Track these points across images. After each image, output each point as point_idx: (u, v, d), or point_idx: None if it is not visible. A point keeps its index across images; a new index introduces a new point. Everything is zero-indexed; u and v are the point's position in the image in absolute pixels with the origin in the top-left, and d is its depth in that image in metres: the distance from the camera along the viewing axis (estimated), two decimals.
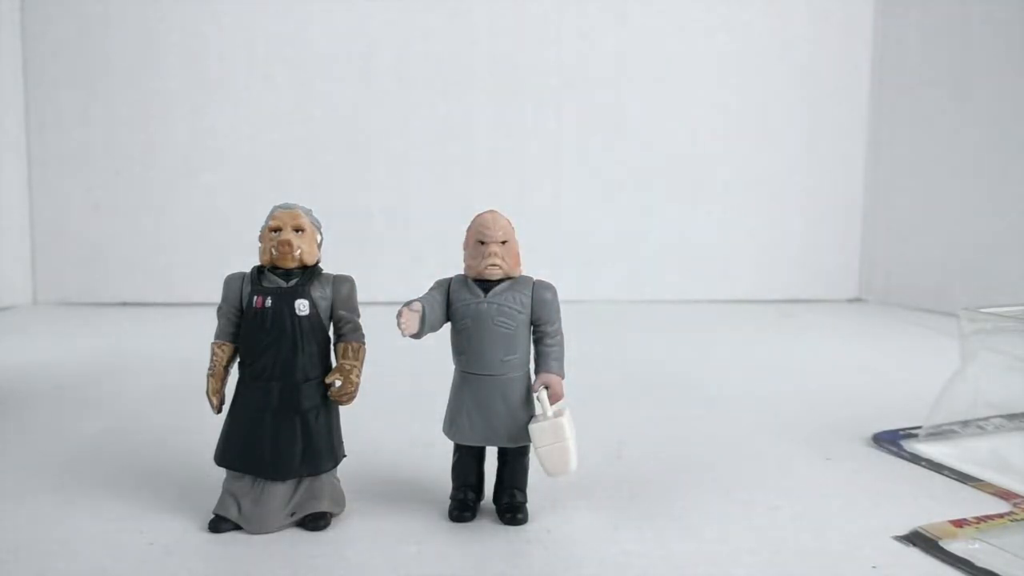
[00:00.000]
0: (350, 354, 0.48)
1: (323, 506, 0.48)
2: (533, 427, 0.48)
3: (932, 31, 1.56)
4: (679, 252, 1.67)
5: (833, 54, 1.69)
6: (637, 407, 0.81)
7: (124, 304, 1.53)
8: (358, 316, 0.50)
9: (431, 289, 0.50)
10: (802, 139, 1.70)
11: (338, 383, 0.48)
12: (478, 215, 0.50)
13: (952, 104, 1.51)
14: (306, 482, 0.48)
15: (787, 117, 1.68)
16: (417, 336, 0.49)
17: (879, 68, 1.69)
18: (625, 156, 1.64)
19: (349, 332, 0.49)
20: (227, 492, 0.48)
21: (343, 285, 0.49)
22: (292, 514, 0.48)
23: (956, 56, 1.50)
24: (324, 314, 0.48)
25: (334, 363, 0.49)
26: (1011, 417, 0.70)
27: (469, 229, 0.49)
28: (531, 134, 1.62)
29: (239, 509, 0.47)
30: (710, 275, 1.68)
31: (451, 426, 0.50)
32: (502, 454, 0.51)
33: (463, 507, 0.50)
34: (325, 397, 0.48)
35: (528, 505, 0.50)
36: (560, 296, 0.50)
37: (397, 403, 0.75)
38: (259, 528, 0.47)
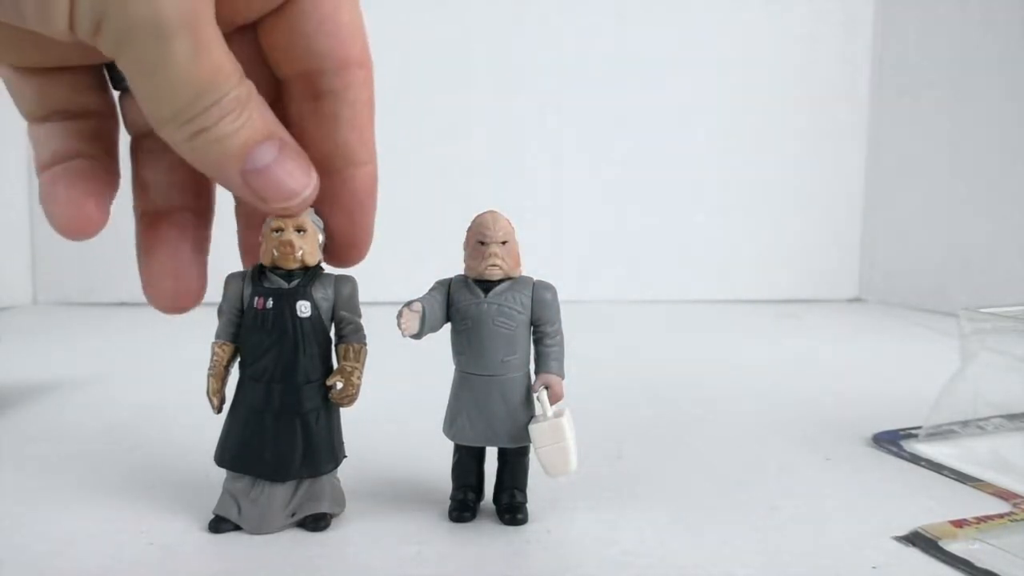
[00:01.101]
0: (351, 356, 0.48)
1: (323, 507, 0.48)
2: (533, 427, 0.48)
3: (932, 31, 1.56)
4: (679, 252, 1.67)
5: (833, 54, 1.69)
6: (637, 407, 0.81)
7: (124, 304, 1.53)
8: (359, 317, 0.49)
9: (431, 289, 0.50)
10: (802, 139, 1.70)
11: (339, 385, 0.48)
12: (478, 215, 0.50)
13: (952, 104, 1.51)
14: (306, 483, 0.48)
15: (787, 117, 1.68)
16: (417, 336, 0.49)
17: (879, 68, 1.69)
18: (625, 156, 1.64)
19: (350, 333, 0.49)
20: (227, 492, 0.48)
21: (345, 286, 0.48)
22: (292, 515, 0.48)
23: (956, 56, 1.50)
24: (326, 315, 0.48)
25: (335, 364, 0.49)
26: (1011, 417, 0.70)
27: (469, 230, 0.49)
28: (531, 134, 1.62)
29: (239, 510, 0.47)
30: (710, 275, 1.68)
31: (451, 426, 0.50)
32: (502, 454, 0.51)
33: (463, 507, 0.50)
34: (326, 399, 0.48)
35: (528, 505, 0.50)
36: (560, 296, 0.50)
37: (397, 403, 0.75)
38: (259, 528, 0.47)
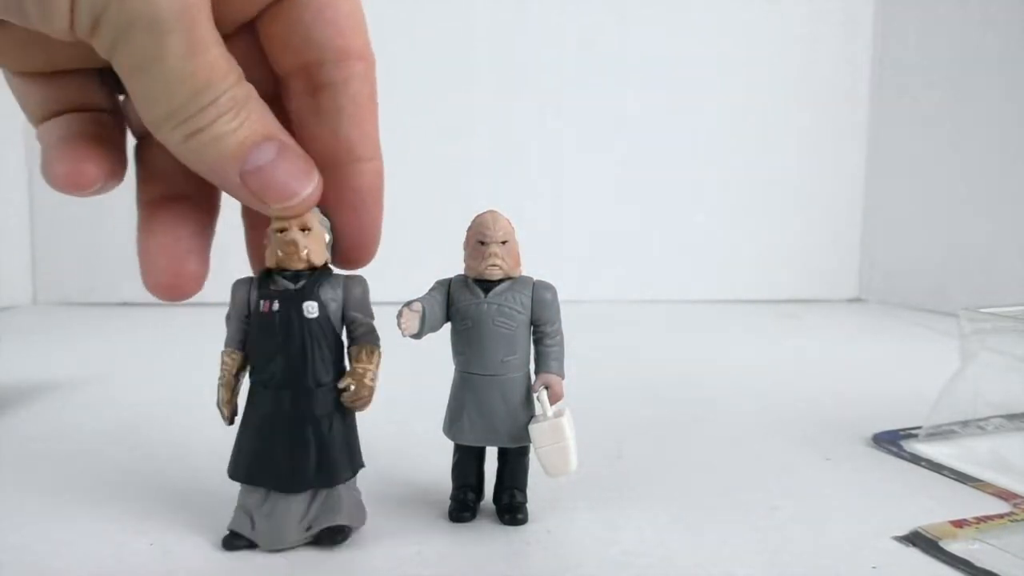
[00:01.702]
0: (363, 357, 0.46)
1: (340, 519, 0.46)
2: (533, 427, 0.48)
3: (932, 31, 1.56)
4: (679, 252, 1.67)
5: (833, 54, 1.69)
6: (637, 407, 0.81)
7: (124, 304, 1.53)
8: (372, 318, 0.48)
9: (431, 289, 0.50)
10: (802, 139, 1.70)
11: (351, 388, 0.46)
12: (478, 215, 0.49)
13: (952, 104, 1.51)
14: (323, 494, 0.46)
15: (787, 117, 1.68)
16: (417, 336, 0.48)
17: (879, 68, 1.69)
18: (625, 156, 1.64)
19: (362, 335, 0.47)
20: (241, 507, 0.46)
21: (355, 286, 0.47)
22: (308, 528, 0.45)
23: (956, 56, 1.50)
24: (335, 316, 0.46)
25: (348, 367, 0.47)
26: (1011, 417, 0.70)
27: (469, 229, 0.49)
28: (531, 134, 1.62)
29: (253, 524, 0.45)
30: (710, 275, 1.68)
31: (451, 426, 0.50)
32: (502, 454, 0.51)
33: (463, 507, 0.50)
34: (339, 403, 0.46)
35: (528, 505, 0.50)
36: (560, 296, 0.50)
37: (397, 403, 0.75)
38: (273, 543, 0.45)
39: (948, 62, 1.52)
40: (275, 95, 0.45)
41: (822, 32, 1.68)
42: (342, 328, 0.47)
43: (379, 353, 0.47)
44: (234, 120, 0.38)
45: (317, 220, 0.45)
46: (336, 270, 0.48)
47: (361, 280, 0.48)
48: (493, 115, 1.60)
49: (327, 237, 0.46)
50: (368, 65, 0.44)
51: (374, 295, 0.48)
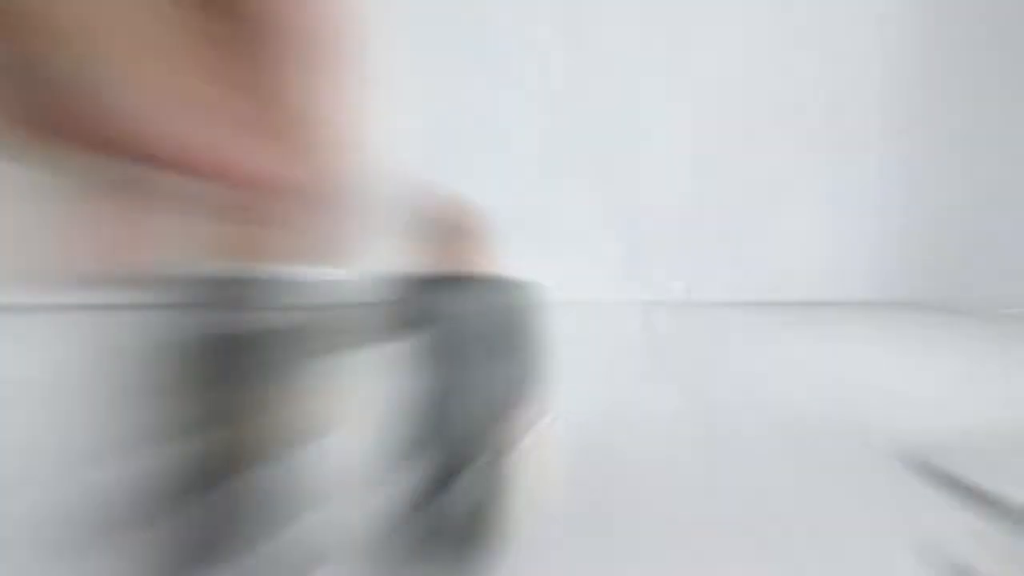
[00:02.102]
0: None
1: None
2: (520, 439, 0.45)
3: (951, 18, 1.53)
4: (685, 251, 1.66)
5: (847, 48, 1.67)
6: (635, 414, 0.77)
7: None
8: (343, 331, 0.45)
9: (396, 285, 0.47)
10: (818, 136, 1.68)
11: None
12: (459, 210, 0.47)
13: (975, 101, 1.48)
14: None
15: (802, 111, 1.66)
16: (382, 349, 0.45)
17: (893, 64, 1.67)
18: (628, 153, 1.63)
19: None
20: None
21: (332, 291, 0.44)
22: None
23: (975, 53, 1.47)
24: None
25: None
26: None
27: (448, 225, 0.46)
28: (528, 131, 1.60)
29: None
30: (720, 274, 1.67)
31: (416, 443, 0.47)
32: (474, 472, 0.47)
33: (428, 536, 0.46)
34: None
35: (514, 523, 0.46)
36: (558, 296, 0.47)
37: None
38: None
39: (965, 60, 1.49)
40: (233, 51, 0.40)
41: (834, 26, 1.66)
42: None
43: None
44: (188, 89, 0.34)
45: (280, 212, 0.41)
46: (307, 270, 0.43)
47: (341, 284, 0.44)
48: (489, 111, 1.58)
49: (296, 234, 0.42)
50: (336, 22, 0.40)
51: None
